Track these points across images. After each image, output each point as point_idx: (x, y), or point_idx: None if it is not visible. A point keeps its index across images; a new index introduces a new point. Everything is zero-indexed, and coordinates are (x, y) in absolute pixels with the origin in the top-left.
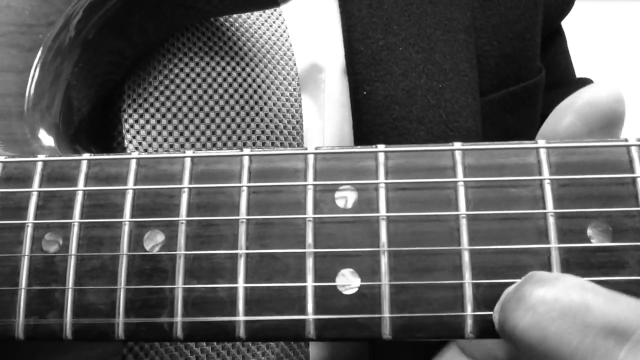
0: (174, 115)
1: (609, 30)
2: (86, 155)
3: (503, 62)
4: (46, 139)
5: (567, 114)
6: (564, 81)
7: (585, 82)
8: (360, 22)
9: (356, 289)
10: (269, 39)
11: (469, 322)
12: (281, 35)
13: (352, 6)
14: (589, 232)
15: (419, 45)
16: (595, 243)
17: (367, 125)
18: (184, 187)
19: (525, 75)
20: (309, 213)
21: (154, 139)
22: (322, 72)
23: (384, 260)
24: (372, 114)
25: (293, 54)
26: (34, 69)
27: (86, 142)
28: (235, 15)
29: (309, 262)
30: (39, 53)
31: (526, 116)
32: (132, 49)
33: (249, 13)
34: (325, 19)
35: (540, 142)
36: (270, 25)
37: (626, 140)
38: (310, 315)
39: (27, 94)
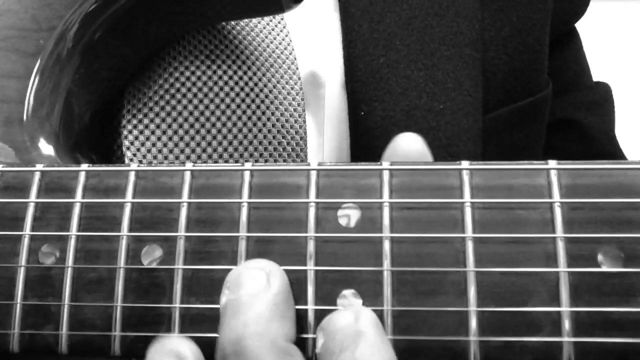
0: (175, 131)
1: (619, 30)
2: (84, 166)
3: (511, 76)
4: (45, 147)
5: None
6: (576, 86)
7: (602, 87)
8: (361, 37)
9: None
10: (274, 52)
11: (473, 347)
12: (285, 49)
13: (353, 21)
14: (600, 257)
15: (421, 62)
16: (605, 269)
17: (364, 147)
18: (183, 202)
19: (534, 89)
20: (311, 231)
21: (155, 156)
22: (322, 87)
23: (386, 282)
24: (370, 136)
25: (297, 68)
26: (34, 75)
27: (87, 150)
28: (241, 24)
29: (310, 281)
30: (39, 59)
31: (533, 131)
32: (134, 54)
33: (254, 23)
34: (327, 33)
35: (551, 163)
36: (274, 38)
37: None
38: (309, 339)
39: (27, 101)
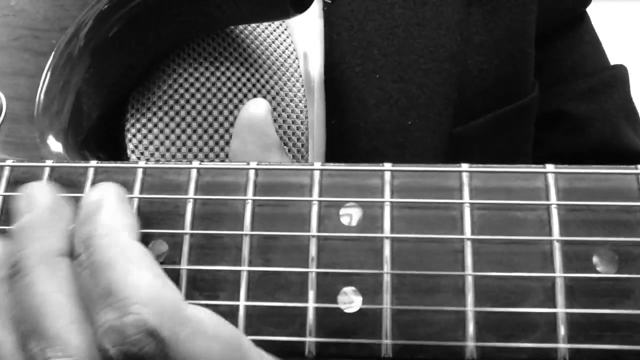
0: (178, 136)
1: (618, 30)
2: (93, 163)
3: (500, 82)
4: (54, 144)
5: (234, 136)
6: (572, 76)
7: (608, 72)
8: (338, 46)
9: (358, 308)
10: (278, 58)
11: (470, 345)
12: (289, 56)
13: (332, 29)
14: (595, 259)
15: (397, 74)
16: (600, 271)
17: (337, 154)
18: (189, 198)
19: (522, 93)
20: (314, 229)
21: (158, 160)
22: (312, 92)
23: (386, 280)
24: (341, 143)
25: (301, 75)
26: (45, 73)
27: (94, 148)
28: (245, 31)
29: (311, 279)
30: (51, 58)
31: (519, 134)
32: (142, 56)
33: (259, 30)
34: (312, 40)
35: (549, 167)
36: (279, 45)
37: (636, 167)
38: (310, 337)
39: (37, 99)
